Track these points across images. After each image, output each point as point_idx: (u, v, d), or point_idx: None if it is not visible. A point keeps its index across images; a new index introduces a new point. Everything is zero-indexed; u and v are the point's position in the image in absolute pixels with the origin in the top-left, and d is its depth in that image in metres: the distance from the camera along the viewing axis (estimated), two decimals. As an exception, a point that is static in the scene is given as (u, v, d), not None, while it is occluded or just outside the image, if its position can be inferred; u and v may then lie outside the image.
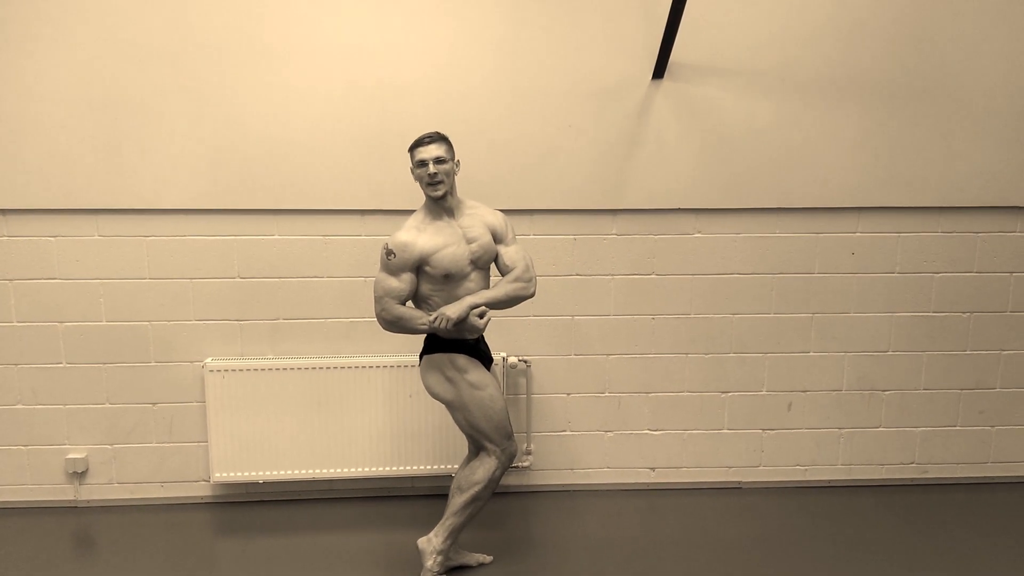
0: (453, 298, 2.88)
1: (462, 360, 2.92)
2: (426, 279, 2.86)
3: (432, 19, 3.49)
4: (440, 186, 2.81)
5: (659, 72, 3.52)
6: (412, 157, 2.85)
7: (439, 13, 3.49)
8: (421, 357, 3.01)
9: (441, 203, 2.86)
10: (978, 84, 3.63)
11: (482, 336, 3.06)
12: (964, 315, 3.86)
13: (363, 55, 3.49)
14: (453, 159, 2.87)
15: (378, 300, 2.85)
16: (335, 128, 3.54)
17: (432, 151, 2.80)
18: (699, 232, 3.74)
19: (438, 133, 2.86)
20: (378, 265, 2.88)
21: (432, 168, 2.78)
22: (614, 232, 3.72)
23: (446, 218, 2.88)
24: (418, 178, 2.84)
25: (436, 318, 2.81)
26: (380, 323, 2.89)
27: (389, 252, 2.80)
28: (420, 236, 2.81)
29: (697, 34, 3.51)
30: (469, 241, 2.88)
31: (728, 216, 3.73)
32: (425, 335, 2.98)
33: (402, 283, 2.83)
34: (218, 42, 3.44)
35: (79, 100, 3.44)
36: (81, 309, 3.61)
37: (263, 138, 3.53)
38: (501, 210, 3.10)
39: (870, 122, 3.65)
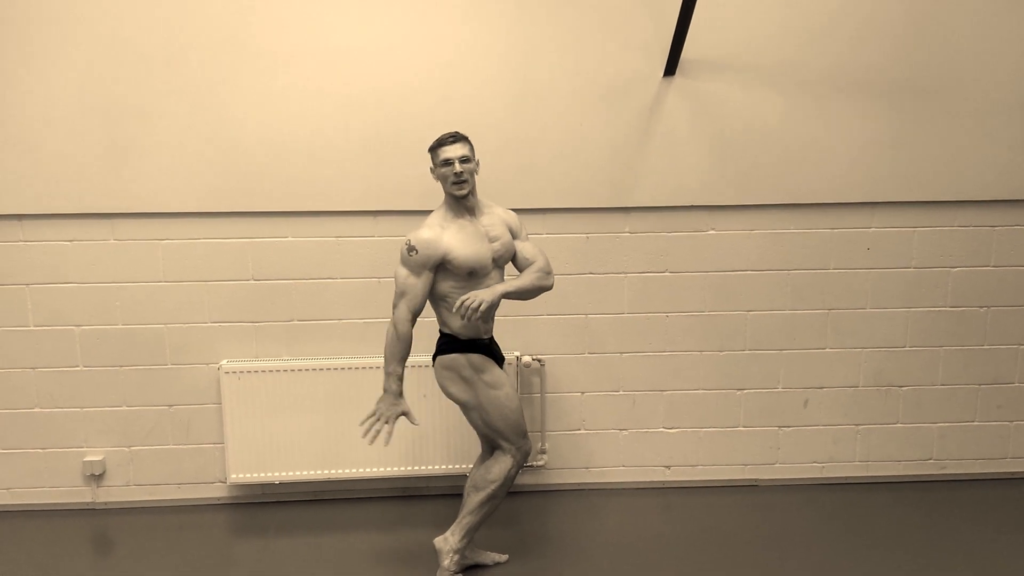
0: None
1: (478, 360, 2.92)
2: (447, 277, 2.86)
3: (442, 19, 3.50)
4: (465, 185, 2.82)
5: (670, 69, 3.51)
6: (436, 156, 2.85)
7: (449, 13, 3.49)
8: (434, 358, 3.01)
9: (463, 202, 2.87)
10: (991, 77, 3.60)
11: (493, 336, 3.05)
12: (981, 310, 3.83)
13: (374, 56, 3.50)
14: (475, 158, 2.88)
15: (399, 297, 2.83)
16: (347, 129, 3.54)
17: (457, 150, 2.81)
18: (712, 229, 3.73)
19: (459, 133, 2.87)
20: (393, 264, 2.88)
21: (458, 167, 2.79)
22: (627, 230, 3.71)
23: (467, 216, 2.89)
24: (442, 177, 2.84)
25: (469, 299, 2.74)
26: (390, 322, 2.86)
27: (411, 248, 2.80)
28: (444, 233, 2.82)
29: (708, 31, 3.50)
30: (491, 240, 2.91)
31: (741, 213, 3.71)
32: (439, 337, 2.98)
33: (421, 281, 2.82)
34: (229, 45, 3.46)
35: (93, 105, 3.46)
36: (97, 313, 3.64)
37: (275, 140, 3.54)
38: (513, 209, 3.11)
39: (883, 117, 3.63)
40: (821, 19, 3.55)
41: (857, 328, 3.83)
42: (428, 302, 2.91)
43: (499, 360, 3.04)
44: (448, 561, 3.00)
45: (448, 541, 3.01)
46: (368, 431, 2.87)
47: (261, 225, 3.62)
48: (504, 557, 3.25)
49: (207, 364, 3.70)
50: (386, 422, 2.87)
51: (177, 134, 3.51)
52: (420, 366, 3.61)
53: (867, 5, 3.54)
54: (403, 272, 2.83)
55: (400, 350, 2.84)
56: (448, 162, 2.80)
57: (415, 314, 2.84)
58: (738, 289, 3.78)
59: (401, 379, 2.88)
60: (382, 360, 3.61)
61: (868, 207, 3.72)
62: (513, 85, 3.55)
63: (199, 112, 3.50)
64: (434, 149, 2.85)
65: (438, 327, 3.00)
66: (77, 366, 3.68)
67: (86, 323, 3.64)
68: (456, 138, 2.84)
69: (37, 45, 3.42)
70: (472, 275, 2.86)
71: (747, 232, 3.73)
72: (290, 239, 3.64)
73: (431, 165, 2.89)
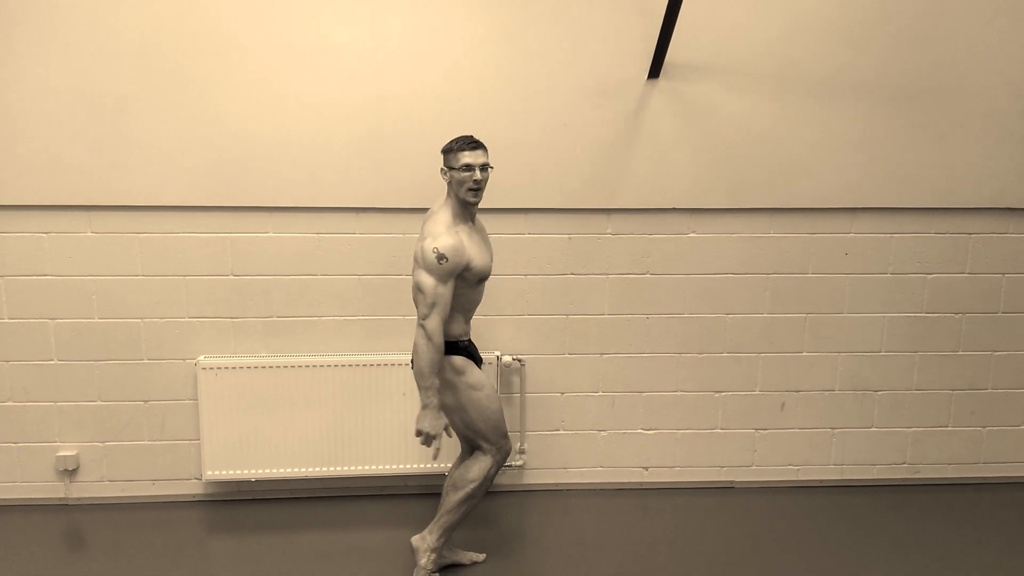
0: (470, 301, 2.92)
1: (459, 361, 2.92)
2: (458, 285, 2.81)
3: (426, 19, 3.48)
4: (481, 193, 2.81)
5: (655, 72, 3.52)
6: (454, 158, 2.78)
7: (433, 13, 3.48)
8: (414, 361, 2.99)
9: (470, 209, 2.86)
10: (973, 85, 3.65)
11: (471, 338, 3.05)
12: (956, 316, 3.88)
13: (358, 54, 3.48)
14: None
15: (430, 307, 2.72)
16: (330, 125, 3.52)
17: (480, 157, 2.78)
18: (694, 232, 3.74)
19: (476, 138, 2.82)
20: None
21: (478, 175, 2.76)
22: (609, 231, 3.72)
23: (470, 223, 2.88)
24: (458, 181, 2.78)
25: None
26: (421, 334, 2.74)
27: (441, 256, 2.70)
28: (462, 240, 2.77)
29: (693, 34, 3.51)
30: (488, 246, 2.96)
31: (723, 216, 3.73)
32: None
33: (448, 289, 2.74)
34: (213, 39, 3.42)
35: (72, 95, 3.42)
36: (73, 306, 3.59)
37: (258, 135, 3.51)
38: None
39: (865, 123, 3.66)
40: (804, 26, 3.57)
41: (834, 332, 3.86)
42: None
43: (477, 361, 3.04)
44: (425, 560, 3.00)
45: (426, 540, 3.01)
46: (431, 450, 2.83)
47: (241, 220, 3.59)
48: (481, 556, 3.25)
49: (184, 360, 3.67)
50: (435, 437, 2.80)
51: (158, 127, 3.48)
52: (399, 364, 3.61)
53: (850, 13, 3.57)
54: (431, 281, 2.72)
55: (438, 361, 2.76)
56: (470, 167, 2.75)
57: (444, 322, 2.79)
58: (718, 292, 3.80)
59: (438, 391, 2.81)
60: (362, 358, 3.63)
61: (847, 212, 3.75)
62: (497, 86, 3.55)
63: (181, 105, 3.47)
64: (453, 151, 2.78)
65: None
66: (51, 360, 3.63)
67: (61, 316, 3.60)
68: (478, 144, 2.79)
69: (17, 34, 3.37)
70: (480, 282, 2.88)
71: (728, 235, 3.75)
72: (271, 234, 3.62)
73: (444, 166, 2.83)
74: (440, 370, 2.88)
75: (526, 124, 3.58)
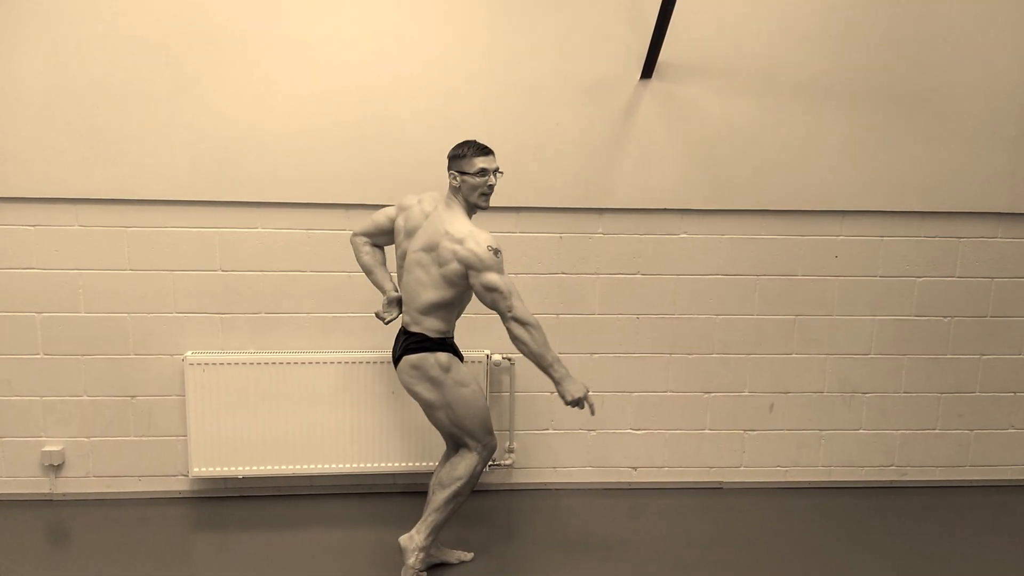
0: (466, 300, 2.95)
1: (444, 358, 2.91)
2: (462, 283, 2.83)
3: (419, 16, 3.47)
4: (490, 198, 2.86)
5: (647, 72, 3.52)
6: (468, 163, 2.80)
7: (426, 10, 3.47)
8: (399, 358, 2.98)
9: (476, 212, 2.89)
10: (963, 89, 3.66)
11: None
12: (945, 319, 3.89)
13: (349, 49, 3.47)
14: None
15: (510, 297, 2.76)
16: (319, 121, 3.51)
17: (493, 162, 2.83)
18: (684, 232, 3.75)
19: (483, 143, 2.87)
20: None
21: (493, 179, 2.81)
22: (600, 231, 3.72)
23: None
24: (471, 186, 2.81)
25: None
26: (516, 325, 2.78)
27: (497, 251, 2.76)
28: None
29: (685, 35, 3.51)
30: None
31: (713, 217, 3.73)
32: (404, 338, 2.96)
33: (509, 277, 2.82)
34: (202, 32, 3.40)
35: (60, 88, 3.39)
36: (59, 300, 3.56)
37: (247, 130, 3.49)
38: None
39: (855, 126, 3.67)
40: (796, 29, 3.58)
41: (823, 335, 3.87)
42: (420, 302, 2.88)
43: (460, 357, 3.03)
44: (413, 559, 2.98)
45: (414, 539, 2.99)
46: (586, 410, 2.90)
47: (230, 215, 3.57)
48: (469, 556, 3.25)
49: (171, 355, 3.64)
50: (585, 398, 2.84)
51: (147, 120, 3.45)
52: (388, 362, 3.59)
53: (842, 15, 3.57)
54: (498, 276, 2.76)
55: (544, 339, 2.81)
56: (484, 172, 2.80)
57: (522, 300, 2.83)
58: (708, 293, 3.80)
59: (559, 361, 2.85)
60: (351, 355, 3.61)
61: (837, 215, 3.76)
62: (489, 84, 3.54)
63: (170, 99, 3.44)
64: (467, 157, 2.80)
65: (403, 326, 2.99)
66: (37, 354, 3.60)
67: (48, 310, 3.57)
68: (489, 149, 2.84)
69: (3, 25, 3.33)
70: None
71: (718, 236, 3.75)
72: (259, 230, 3.60)
73: (454, 171, 2.83)
74: (427, 367, 2.88)
75: (518, 122, 3.57)
